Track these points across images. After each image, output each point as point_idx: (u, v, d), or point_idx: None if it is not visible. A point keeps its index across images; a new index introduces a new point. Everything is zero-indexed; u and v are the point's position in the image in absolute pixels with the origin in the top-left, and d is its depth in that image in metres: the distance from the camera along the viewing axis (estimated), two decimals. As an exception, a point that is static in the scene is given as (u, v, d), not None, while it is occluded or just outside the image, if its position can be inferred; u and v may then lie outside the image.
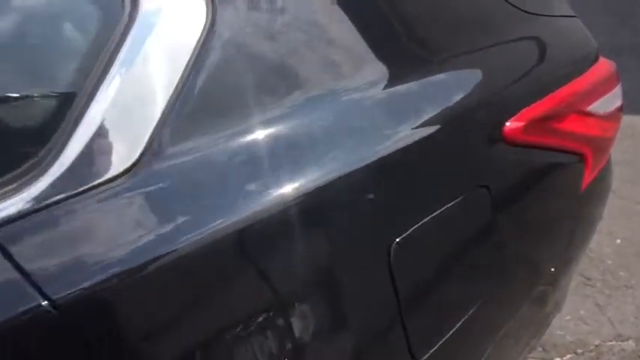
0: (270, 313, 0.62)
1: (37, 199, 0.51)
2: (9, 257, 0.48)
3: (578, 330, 1.97)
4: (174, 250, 0.54)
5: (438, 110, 0.79)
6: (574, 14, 1.16)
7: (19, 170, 0.51)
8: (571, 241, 1.15)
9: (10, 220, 0.49)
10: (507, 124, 0.84)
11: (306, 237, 0.63)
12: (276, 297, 0.62)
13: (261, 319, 0.61)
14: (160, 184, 0.55)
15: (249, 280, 0.60)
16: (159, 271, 0.53)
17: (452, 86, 0.83)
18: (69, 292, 0.49)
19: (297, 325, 0.64)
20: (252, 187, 0.60)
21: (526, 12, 0.99)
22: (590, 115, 1.03)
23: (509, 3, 0.97)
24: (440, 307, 0.79)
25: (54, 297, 0.48)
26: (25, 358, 0.49)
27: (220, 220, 0.57)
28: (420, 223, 0.72)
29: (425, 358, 0.77)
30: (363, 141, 0.71)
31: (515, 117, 0.85)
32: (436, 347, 0.78)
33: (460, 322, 0.82)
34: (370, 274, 0.69)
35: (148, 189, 0.54)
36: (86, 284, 0.49)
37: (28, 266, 0.48)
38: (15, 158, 0.52)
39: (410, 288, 0.72)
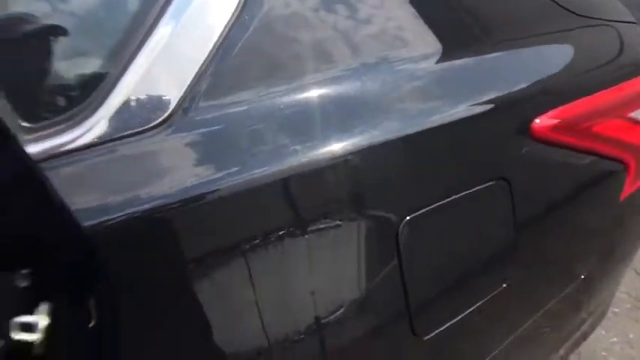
0: (281, 266, 0.68)
1: (80, 140, 0.59)
2: (52, 187, 0.56)
3: (623, 354, 1.89)
4: (208, 193, 0.61)
5: (481, 93, 0.81)
6: (633, 20, 1.14)
7: (69, 113, 0.59)
8: (608, 250, 1.13)
9: (56, 155, 0.58)
10: (537, 120, 0.84)
11: (335, 195, 0.68)
12: (289, 249, 0.67)
13: (273, 270, 0.67)
14: (197, 132, 0.62)
15: (273, 229, 0.66)
16: (186, 211, 0.60)
17: (497, 71, 0.85)
18: (102, 220, 0.57)
19: (301, 281, 0.70)
20: (295, 141, 0.65)
21: (576, 14, 0.98)
22: (636, 122, 1.01)
23: (558, 4, 0.97)
24: (447, 291, 0.81)
25: (88, 222, 0.56)
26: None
27: (257, 170, 0.63)
28: (433, 206, 0.75)
29: (429, 337, 0.80)
30: (408, 112, 0.74)
31: (546, 114, 0.85)
32: (441, 329, 0.81)
33: (471, 309, 0.84)
34: (378, 246, 0.73)
35: (185, 137, 0.61)
36: (113, 216, 0.57)
37: (67, 192, 0.56)
38: (66, 102, 0.60)
39: (416, 267, 0.75)
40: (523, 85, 0.85)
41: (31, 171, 0.58)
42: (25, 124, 0.58)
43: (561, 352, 1.25)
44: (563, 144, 0.88)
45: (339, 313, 0.73)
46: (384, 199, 0.72)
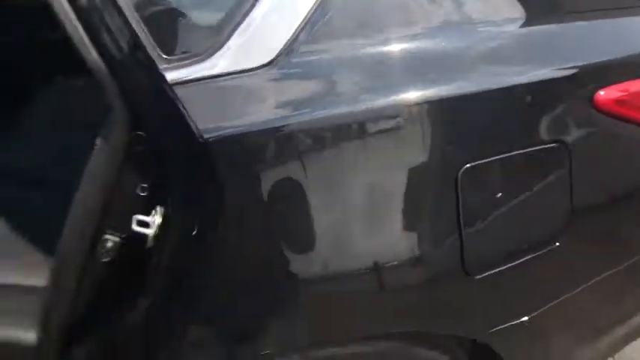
0: (345, 198, 0.81)
1: (205, 72, 0.75)
2: (183, 105, 0.72)
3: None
4: (295, 123, 0.76)
5: (556, 59, 0.89)
6: None
7: (198, 50, 0.75)
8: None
9: (186, 82, 0.74)
10: (601, 92, 0.91)
11: (404, 138, 0.80)
12: (354, 184, 0.80)
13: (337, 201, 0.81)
14: (295, 73, 0.77)
15: (343, 163, 0.79)
16: (278, 137, 0.76)
17: (575, 39, 0.94)
18: (220, 133, 0.73)
19: (360, 215, 0.83)
20: (373, 87, 0.79)
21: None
22: None
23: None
24: (499, 238, 0.90)
25: (207, 136, 0.72)
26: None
27: (340, 109, 0.77)
28: (492, 158, 0.85)
29: (479, 277, 0.89)
30: (483, 70, 0.84)
31: (612, 87, 0.91)
32: (491, 272, 0.90)
33: (520, 260, 0.92)
34: (438, 187, 0.84)
35: (285, 75, 0.76)
36: (226, 134, 0.73)
37: (193, 112, 0.72)
38: (196, 42, 0.76)
39: (471, 210, 0.85)
40: (595, 56, 0.92)
41: (166, 93, 0.74)
42: (164, 56, 0.75)
43: (616, 335, 1.26)
44: (626, 118, 0.94)
45: (395, 246, 0.85)
46: (449, 145, 0.83)
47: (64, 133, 1.38)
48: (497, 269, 0.90)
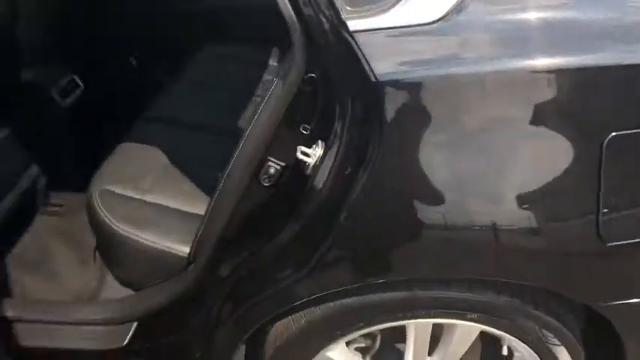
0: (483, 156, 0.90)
1: (382, 23, 0.85)
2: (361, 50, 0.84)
3: None
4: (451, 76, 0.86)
5: None
6: None
7: (379, 4, 0.85)
8: None
9: (366, 30, 0.85)
10: None
11: (539, 103, 0.86)
12: (491, 144, 0.89)
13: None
14: (462, 30, 0.86)
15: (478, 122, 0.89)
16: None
17: None
18: (391, 77, 0.85)
19: (502, 174, 0.91)
20: (510, 51, 0.86)
21: None
22: None
23: None
24: (637, 211, 0.92)
25: (380, 79, 0.84)
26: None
27: (496, 67, 0.85)
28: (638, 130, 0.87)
29: (611, 245, 0.93)
30: (630, 43, 0.86)
31: None
32: (624, 242, 0.93)
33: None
34: (583, 153, 0.88)
35: (453, 32, 0.85)
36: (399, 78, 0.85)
37: (369, 57, 0.83)
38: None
39: (613, 177, 0.88)
40: None
41: (344, 38, 0.86)
42: (348, 7, 0.86)
43: None
44: None
45: (529, 202, 0.91)
46: (595, 113, 0.87)
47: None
48: (631, 240, 0.93)
